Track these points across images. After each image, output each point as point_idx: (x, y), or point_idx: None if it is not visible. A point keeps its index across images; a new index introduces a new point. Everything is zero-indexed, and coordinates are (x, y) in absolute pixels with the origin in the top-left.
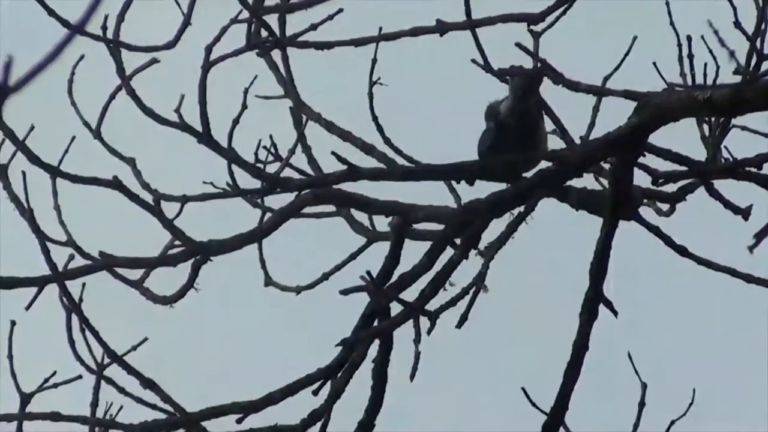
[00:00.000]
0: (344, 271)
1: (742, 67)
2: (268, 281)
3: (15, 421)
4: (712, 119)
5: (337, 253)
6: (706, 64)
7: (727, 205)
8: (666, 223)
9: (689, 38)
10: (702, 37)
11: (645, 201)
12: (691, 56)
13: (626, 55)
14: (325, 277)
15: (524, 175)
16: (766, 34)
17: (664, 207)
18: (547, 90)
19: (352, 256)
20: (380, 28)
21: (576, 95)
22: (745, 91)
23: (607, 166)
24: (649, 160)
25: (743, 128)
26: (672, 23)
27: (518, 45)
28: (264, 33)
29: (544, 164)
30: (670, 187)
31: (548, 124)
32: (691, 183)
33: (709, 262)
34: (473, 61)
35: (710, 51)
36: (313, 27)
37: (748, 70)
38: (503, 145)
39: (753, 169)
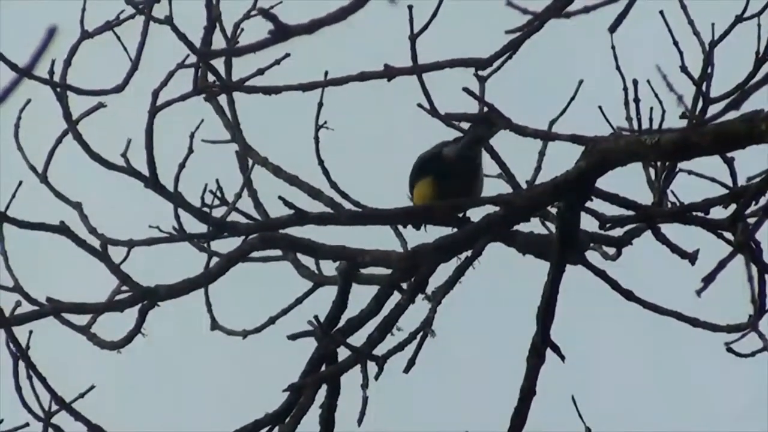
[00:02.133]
0: (291, 315)
1: (689, 111)
2: (215, 325)
3: None
4: (659, 163)
5: (283, 297)
6: (652, 108)
7: (674, 249)
8: (612, 267)
9: (635, 82)
10: (648, 81)
11: (592, 245)
12: (637, 100)
13: (572, 98)
14: (272, 321)
15: (467, 218)
16: (712, 78)
17: (611, 251)
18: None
19: (299, 300)
20: (326, 73)
21: (523, 139)
22: (692, 136)
23: (553, 210)
24: (596, 204)
25: (690, 172)
26: (618, 67)
27: (465, 90)
28: (211, 77)
29: (489, 209)
30: (617, 232)
31: (494, 169)
32: (637, 227)
33: (656, 306)
34: (419, 105)
35: (656, 95)
36: (260, 71)
37: (694, 114)
38: (444, 189)
39: (700, 214)
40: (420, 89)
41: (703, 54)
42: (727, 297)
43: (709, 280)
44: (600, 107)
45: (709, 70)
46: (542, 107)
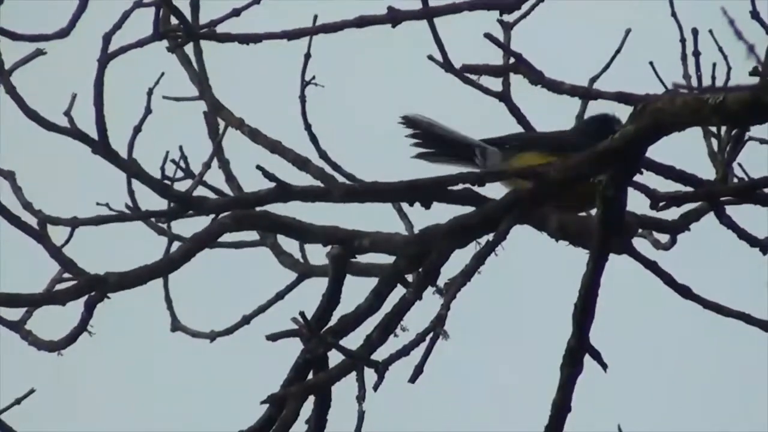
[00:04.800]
0: (269, 313)
1: (762, 65)
2: (176, 325)
3: None
4: (723, 130)
5: (261, 291)
6: (715, 65)
7: (743, 235)
8: (665, 258)
9: (695, 32)
10: (710, 31)
11: (640, 231)
12: (697, 54)
13: (618, 51)
14: (246, 320)
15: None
16: None
17: (664, 238)
18: (522, 92)
19: (280, 296)
20: (315, 17)
21: (558, 99)
22: (765, 95)
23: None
24: (647, 178)
25: (762, 141)
26: (674, 14)
27: (487, 36)
28: (175, 20)
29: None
30: (672, 214)
31: None
32: (696, 208)
33: (718, 306)
34: (430, 57)
35: (720, 49)
36: (236, 12)
37: None
38: None
39: None
40: (432, 37)
41: None
42: None
43: None
44: (651, 63)
45: None
46: (580, 62)
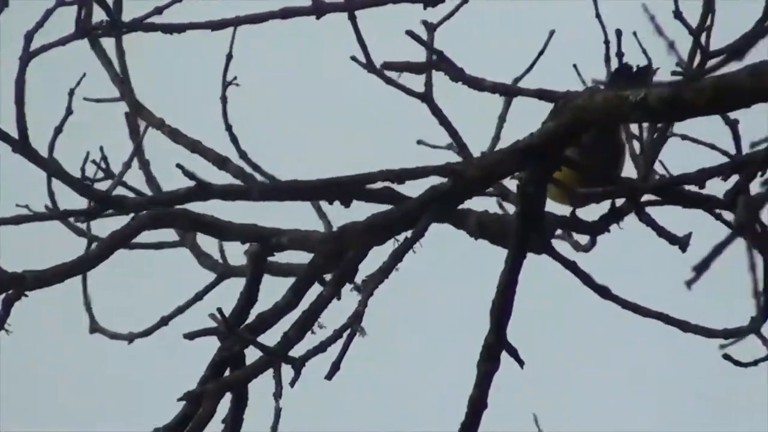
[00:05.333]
0: (188, 314)
1: (684, 63)
2: (94, 326)
3: None
4: (645, 126)
5: (180, 291)
6: (637, 65)
7: (662, 233)
8: (585, 257)
9: (619, 33)
10: (634, 33)
11: (559, 231)
12: (620, 54)
13: (541, 52)
14: (165, 321)
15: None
16: (712, 28)
17: (583, 240)
18: (442, 91)
19: (198, 296)
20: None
21: (479, 99)
22: (685, 92)
23: (514, 184)
24: None
25: (683, 137)
26: (598, 15)
27: (409, 33)
28: (97, 19)
29: (434, 180)
30: (591, 213)
31: (443, 138)
32: (615, 209)
33: (637, 306)
34: (353, 58)
35: (644, 51)
36: (158, 10)
37: (690, 70)
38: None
39: (693, 188)
40: (354, 35)
41: None
42: (727, 289)
43: (701, 268)
44: (575, 66)
45: (709, 19)
46: (506, 63)
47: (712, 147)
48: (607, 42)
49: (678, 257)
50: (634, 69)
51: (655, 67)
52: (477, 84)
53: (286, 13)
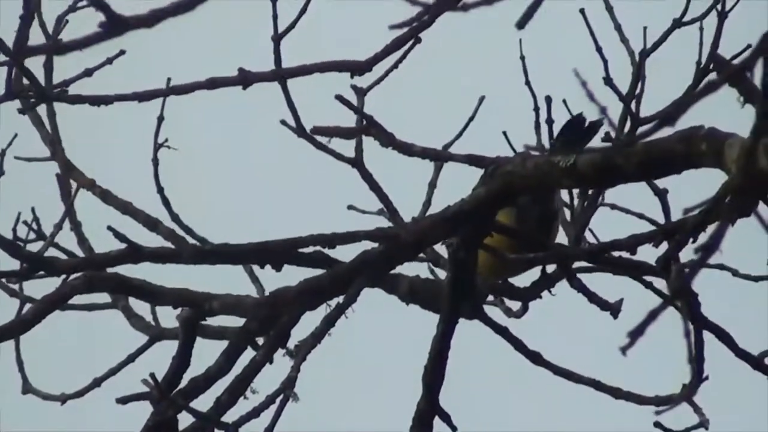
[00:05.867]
0: (120, 375)
1: (615, 128)
2: (27, 387)
3: None
4: (576, 194)
5: (112, 353)
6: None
7: (593, 299)
8: (517, 323)
9: (548, 100)
10: (564, 101)
11: (491, 297)
12: (550, 122)
13: (471, 119)
14: (97, 383)
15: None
16: (642, 94)
17: (515, 306)
18: (373, 156)
19: (131, 358)
20: (168, 80)
21: (410, 164)
22: (616, 157)
23: (445, 250)
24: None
25: (612, 206)
26: (528, 82)
27: (339, 98)
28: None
29: (366, 246)
30: (523, 279)
31: (374, 203)
32: (547, 276)
33: (569, 372)
34: (283, 122)
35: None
36: (88, 73)
37: (620, 137)
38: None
39: (624, 254)
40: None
41: (633, 65)
42: (664, 355)
43: (635, 335)
44: (505, 133)
45: (639, 86)
46: (436, 129)
47: (641, 216)
48: (537, 109)
49: (610, 323)
50: (587, 123)
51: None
52: (407, 149)
53: (213, 84)
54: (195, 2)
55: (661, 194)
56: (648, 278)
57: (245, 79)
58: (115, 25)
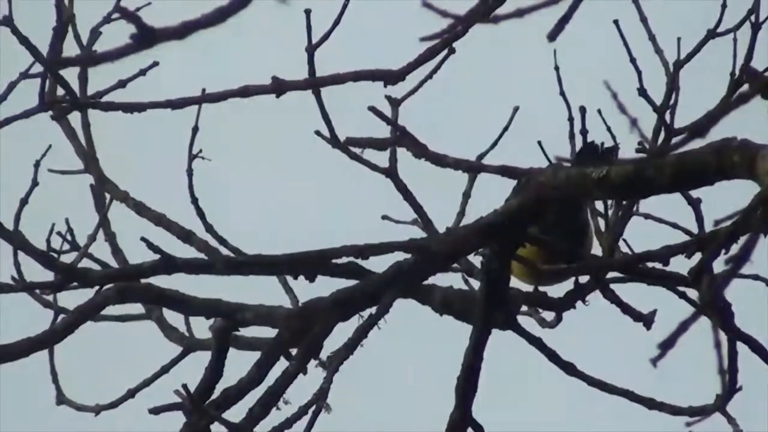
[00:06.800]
0: (154, 386)
1: (647, 141)
2: (61, 398)
3: None
4: (610, 205)
5: (146, 364)
6: (603, 143)
7: (626, 310)
8: (550, 334)
9: (583, 110)
10: (599, 111)
11: (525, 308)
12: (585, 132)
13: (506, 128)
14: (131, 394)
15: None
16: (677, 106)
17: (549, 316)
18: (407, 166)
19: (165, 369)
20: (203, 90)
21: (444, 180)
22: (648, 169)
23: (478, 260)
24: None
25: (647, 216)
26: (562, 92)
27: (371, 109)
28: (61, 91)
29: (399, 256)
30: (557, 289)
31: (408, 213)
32: (581, 286)
33: (603, 383)
34: (317, 133)
35: (608, 128)
36: (122, 84)
37: (654, 148)
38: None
39: (657, 265)
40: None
41: (667, 76)
42: (700, 365)
43: (667, 346)
44: (540, 142)
45: (673, 97)
46: (469, 139)
47: (675, 226)
48: (571, 119)
49: (643, 334)
50: (600, 149)
51: (619, 142)
52: (440, 160)
53: (247, 92)
54: (226, 15)
55: (695, 204)
56: (681, 288)
57: (279, 87)
58: (146, 37)
